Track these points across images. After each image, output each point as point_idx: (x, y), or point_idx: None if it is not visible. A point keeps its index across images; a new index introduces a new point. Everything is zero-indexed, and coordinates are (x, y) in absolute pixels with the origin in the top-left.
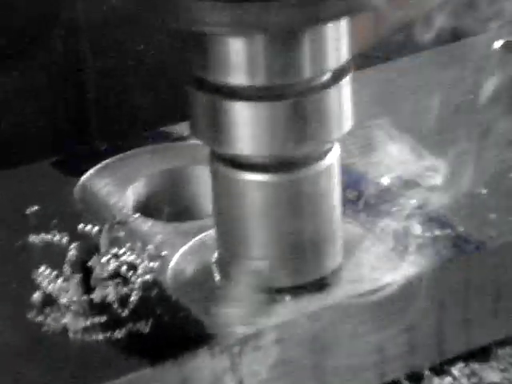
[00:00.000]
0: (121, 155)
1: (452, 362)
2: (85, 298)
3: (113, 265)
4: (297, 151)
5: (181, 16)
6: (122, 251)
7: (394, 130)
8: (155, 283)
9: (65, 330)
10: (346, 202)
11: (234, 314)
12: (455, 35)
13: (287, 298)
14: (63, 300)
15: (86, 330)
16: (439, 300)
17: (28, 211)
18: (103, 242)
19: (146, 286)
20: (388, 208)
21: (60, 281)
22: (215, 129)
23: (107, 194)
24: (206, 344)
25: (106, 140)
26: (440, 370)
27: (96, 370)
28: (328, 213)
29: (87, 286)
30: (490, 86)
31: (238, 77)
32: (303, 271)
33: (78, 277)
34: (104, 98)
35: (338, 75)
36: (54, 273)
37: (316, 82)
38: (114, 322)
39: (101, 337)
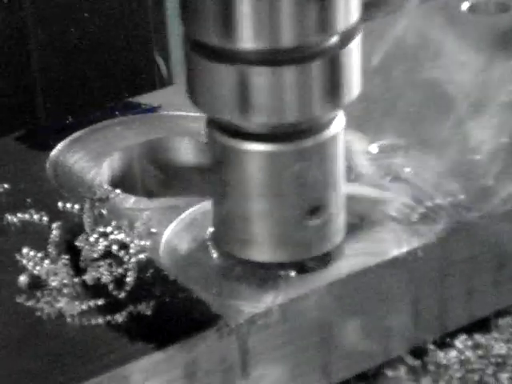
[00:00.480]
0: (90, 128)
1: (454, 334)
2: (77, 280)
3: (102, 244)
4: (303, 118)
5: None
6: (109, 229)
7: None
8: (150, 262)
9: (60, 314)
10: None
11: (239, 293)
12: None
13: (292, 273)
14: (54, 283)
15: (83, 314)
16: (443, 271)
17: None
18: (87, 220)
19: (141, 266)
20: (382, 178)
21: (47, 262)
22: (218, 96)
23: (81, 169)
24: (214, 325)
25: (53, 113)
26: (443, 343)
27: (101, 356)
28: (333, 185)
29: (77, 268)
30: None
31: (243, 40)
32: (308, 246)
33: (65, 258)
34: (49, 69)
35: (346, 38)
36: (40, 254)
37: (324, 45)
38: (113, 305)
39: (101, 321)
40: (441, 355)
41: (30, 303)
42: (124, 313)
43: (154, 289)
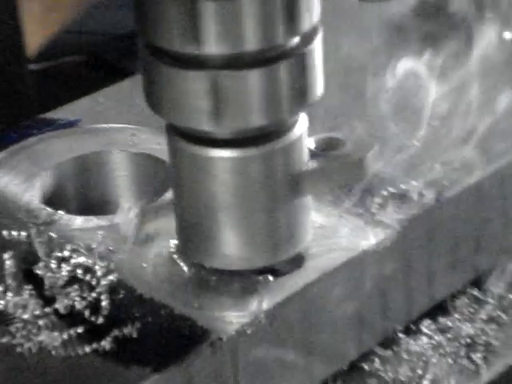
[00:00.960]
0: (11, 149)
1: (418, 321)
2: (48, 309)
3: (65, 270)
4: (269, 122)
5: None
6: (66, 254)
7: None
8: (121, 283)
9: (42, 348)
10: None
11: (222, 304)
12: None
13: (270, 278)
14: (25, 315)
15: (65, 344)
16: (407, 258)
17: None
18: (39, 246)
19: (113, 288)
20: None
21: (10, 295)
22: (176, 101)
23: (14, 192)
24: (206, 340)
25: None
26: (409, 330)
27: None
28: (299, 185)
29: (45, 297)
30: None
31: (202, 45)
32: (279, 249)
33: (29, 288)
34: None
35: (309, 38)
36: (0, 287)
37: (288, 46)
38: (95, 332)
39: (87, 349)
40: (412, 343)
41: (5, 339)
42: (109, 338)
43: (132, 310)
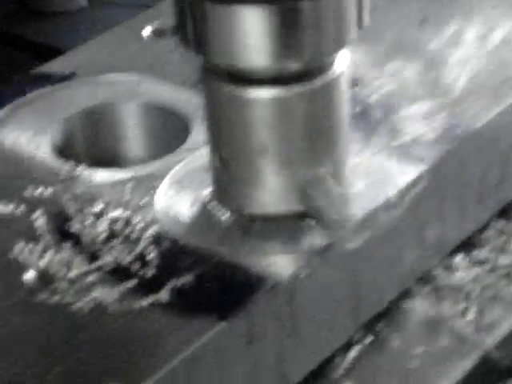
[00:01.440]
0: (12, 105)
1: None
2: (94, 266)
3: (103, 224)
4: (312, 59)
5: None
6: (98, 208)
7: None
8: (162, 234)
9: (98, 304)
10: None
11: (272, 248)
12: None
13: (313, 223)
14: (72, 273)
15: (121, 299)
16: (441, 192)
17: None
18: (67, 203)
19: (156, 240)
20: None
21: (51, 254)
22: (224, 39)
23: (26, 148)
24: (263, 286)
25: None
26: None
27: (166, 339)
28: (340, 126)
29: (87, 254)
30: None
31: None
32: (322, 194)
33: (68, 246)
34: None
35: None
36: (39, 247)
37: None
38: (149, 284)
39: (144, 303)
40: (450, 277)
41: (54, 299)
42: (165, 290)
43: (182, 261)
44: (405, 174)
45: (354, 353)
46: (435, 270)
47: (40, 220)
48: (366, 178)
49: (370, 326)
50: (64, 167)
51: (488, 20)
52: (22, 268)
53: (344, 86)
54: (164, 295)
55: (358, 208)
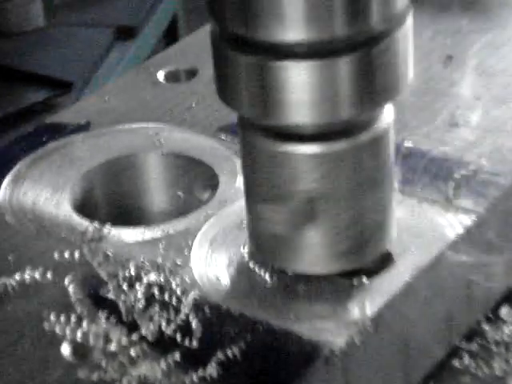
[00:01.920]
0: (33, 155)
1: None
2: (134, 337)
3: (141, 290)
4: (364, 112)
5: None
6: (132, 271)
7: None
8: (203, 299)
9: (143, 381)
10: None
11: (321, 312)
12: None
13: (364, 280)
14: (112, 346)
15: (167, 374)
16: (487, 241)
17: None
18: (98, 267)
19: (197, 306)
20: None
21: (86, 323)
22: (261, 96)
23: (48, 207)
24: (318, 355)
25: None
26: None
27: None
28: (387, 181)
29: (125, 323)
30: None
31: (291, 31)
32: (368, 247)
33: (104, 315)
34: None
35: (401, 18)
36: (72, 316)
37: (382, 28)
38: (195, 356)
39: (194, 378)
40: (498, 332)
41: (95, 376)
42: (213, 364)
43: (226, 329)
44: (452, 226)
45: None
46: (482, 324)
47: (71, 287)
48: (407, 232)
49: None
50: (89, 227)
51: None
52: (57, 340)
53: (391, 140)
54: (212, 370)
55: (404, 268)
